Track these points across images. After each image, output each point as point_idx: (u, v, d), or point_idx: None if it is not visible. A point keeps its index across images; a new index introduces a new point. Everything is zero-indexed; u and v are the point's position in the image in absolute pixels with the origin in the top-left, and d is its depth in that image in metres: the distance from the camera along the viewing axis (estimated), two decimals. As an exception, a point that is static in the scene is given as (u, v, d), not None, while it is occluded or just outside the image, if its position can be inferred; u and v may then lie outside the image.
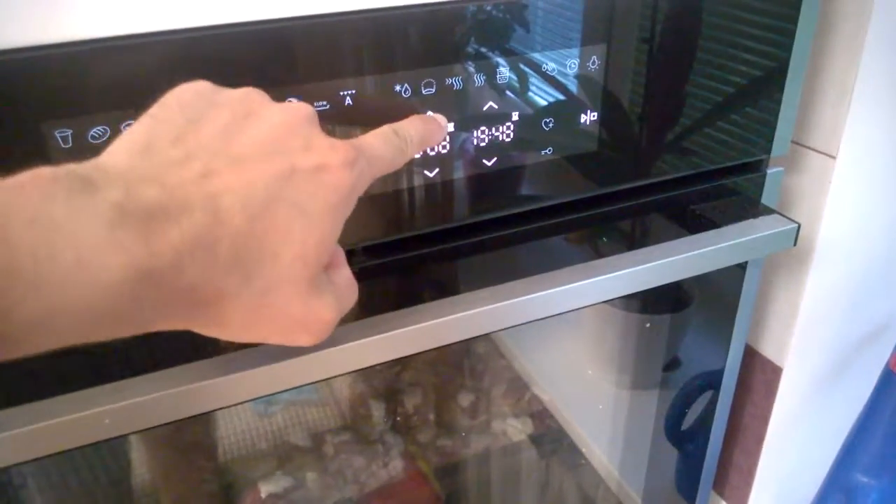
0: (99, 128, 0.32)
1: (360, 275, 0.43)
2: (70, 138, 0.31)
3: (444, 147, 0.40)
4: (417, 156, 0.40)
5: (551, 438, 0.77)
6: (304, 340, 0.29)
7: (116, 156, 0.25)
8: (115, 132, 0.32)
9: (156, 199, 0.23)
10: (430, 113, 0.37)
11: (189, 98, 0.27)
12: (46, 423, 0.33)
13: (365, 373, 0.65)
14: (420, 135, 0.33)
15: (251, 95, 0.29)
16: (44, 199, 0.21)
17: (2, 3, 0.29)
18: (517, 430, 0.74)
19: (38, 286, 0.20)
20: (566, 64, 0.41)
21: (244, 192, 0.25)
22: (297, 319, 0.28)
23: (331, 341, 0.38)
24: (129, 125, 0.32)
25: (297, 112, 0.28)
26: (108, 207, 0.22)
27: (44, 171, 0.22)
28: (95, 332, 0.23)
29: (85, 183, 0.22)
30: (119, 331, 0.23)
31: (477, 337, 0.50)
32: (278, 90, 0.34)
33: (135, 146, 0.25)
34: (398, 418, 0.68)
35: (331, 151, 0.27)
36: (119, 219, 0.22)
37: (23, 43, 0.29)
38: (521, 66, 0.40)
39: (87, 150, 0.32)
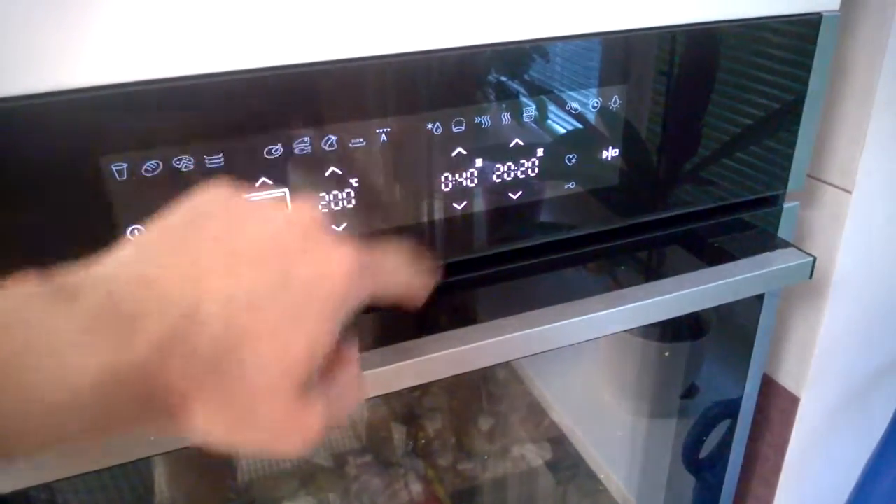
0: (152, 162, 0.34)
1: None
2: (125, 171, 0.33)
3: (472, 181, 0.42)
4: (446, 189, 0.41)
5: (569, 464, 0.77)
6: (288, 449, 0.27)
7: (107, 260, 0.25)
8: (167, 167, 0.34)
9: (137, 298, 0.23)
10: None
11: (195, 202, 0.27)
12: (94, 440, 0.34)
13: (386, 396, 0.66)
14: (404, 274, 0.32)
15: (262, 200, 0.28)
16: (20, 306, 0.22)
17: (63, 48, 0.31)
18: (535, 455, 0.75)
19: (25, 387, 0.21)
20: (588, 103, 0.43)
21: (227, 297, 0.24)
22: (281, 428, 0.26)
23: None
24: (181, 160, 0.34)
25: (303, 214, 0.27)
26: (84, 312, 0.22)
27: (30, 278, 0.23)
28: (72, 435, 0.23)
29: (68, 291, 0.23)
30: (98, 433, 0.23)
31: (497, 364, 0.52)
32: (321, 129, 0.37)
33: (126, 249, 0.25)
34: (422, 441, 0.69)
35: (330, 258, 0.27)
36: (94, 323, 0.22)
37: (85, 84, 0.32)
38: (546, 105, 0.42)
39: (141, 182, 0.34)
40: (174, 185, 0.34)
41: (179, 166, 0.34)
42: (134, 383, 0.23)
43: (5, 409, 0.21)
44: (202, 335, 0.24)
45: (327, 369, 0.29)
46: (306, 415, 0.26)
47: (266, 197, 0.30)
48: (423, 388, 0.68)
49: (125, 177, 0.33)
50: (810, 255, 0.51)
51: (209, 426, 0.25)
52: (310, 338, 0.26)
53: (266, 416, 0.25)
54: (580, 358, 0.73)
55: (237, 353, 0.24)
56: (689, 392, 0.69)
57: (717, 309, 0.60)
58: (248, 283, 0.25)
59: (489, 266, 0.47)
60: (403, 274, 0.31)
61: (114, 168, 0.33)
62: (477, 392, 0.72)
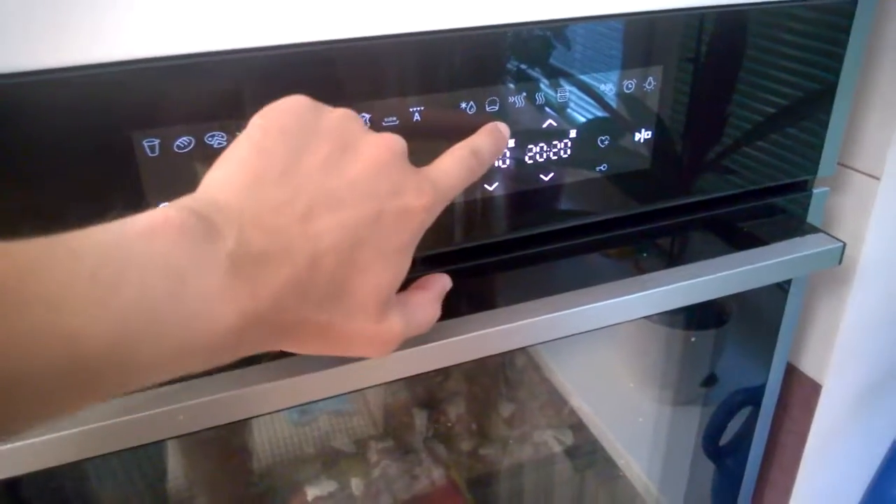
0: (184, 138, 0.33)
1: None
2: (157, 147, 0.33)
3: (504, 162, 0.41)
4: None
5: (588, 451, 0.77)
6: (371, 353, 0.32)
7: (228, 188, 0.27)
8: (200, 143, 0.33)
9: (262, 246, 0.25)
10: (494, 123, 0.37)
11: (290, 124, 0.29)
12: (125, 419, 0.34)
13: (407, 381, 0.66)
14: (490, 150, 0.35)
15: (348, 124, 0.30)
16: (173, 247, 0.23)
17: (96, 21, 0.30)
18: (555, 441, 0.75)
19: (167, 331, 0.22)
20: (624, 84, 0.42)
21: (337, 237, 0.27)
22: (366, 338, 0.30)
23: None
24: (214, 136, 0.34)
25: (390, 148, 0.30)
26: (224, 257, 0.24)
27: (172, 218, 0.24)
28: (199, 366, 0.25)
29: (207, 227, 0.24)
30: (217, 361, 0.26)
31: (518, 349, 0.51)
32: (354, 106, 0.36)
33: (245, 178, 0.27)
34: (443, 426, 0.69)
35: (415, 195, 0.30)
36: (232, 269, 0.24)
37: (117, 58, 0.31)
38: (581, 85, 0.41)
39: (172, 158, 0.33)
40: (206, 162, 0.34)
41: (212, 143, 0.34)
42: (259, 324, 0.25)
43: (159, 351, 0.22)
44: (317, 279, 0.27)
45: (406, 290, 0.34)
46: (387, 327, 0.31)
47: (347, 114, 0.31)
48: (445, 373, 0.68)
49: (156, 153, 0.33)
50: (840, 240, 0.50)
51: (312, 347, 0.29)
52: (393, 267, 0.30)
53: (357, 330, 0.29)
54: (600, 344, 0.73)
55: (342, 289, 0.28)
56: (708, 380, 0.69)
57: (739, 296, 0.60)
58: (352, 222, 0.28)
59: (515, 249, 0.46)
60: (468, 174, 0.34)
61: (145, 144, 0.33)
62: (498, 378, 0.72)
